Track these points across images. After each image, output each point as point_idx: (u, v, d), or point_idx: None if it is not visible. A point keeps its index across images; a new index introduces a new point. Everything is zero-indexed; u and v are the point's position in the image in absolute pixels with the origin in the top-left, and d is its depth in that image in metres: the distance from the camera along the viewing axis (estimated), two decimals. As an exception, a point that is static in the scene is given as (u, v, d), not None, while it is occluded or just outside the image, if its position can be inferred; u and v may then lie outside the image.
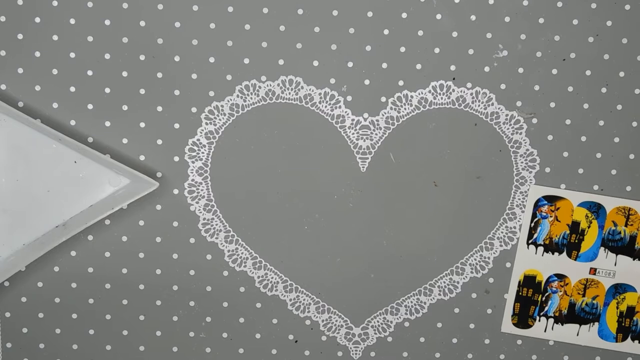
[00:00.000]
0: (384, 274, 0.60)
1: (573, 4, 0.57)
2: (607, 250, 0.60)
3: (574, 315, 0.61)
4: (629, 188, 0.59)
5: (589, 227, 0.60)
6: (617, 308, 0.61)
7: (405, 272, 0.60)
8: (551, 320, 0.61)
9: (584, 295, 0.61)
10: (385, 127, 0.58)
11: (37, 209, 0.58)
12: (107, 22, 0.57)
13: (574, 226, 0.60)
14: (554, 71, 0.58)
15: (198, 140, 0.58)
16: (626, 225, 0.60)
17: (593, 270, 0.60)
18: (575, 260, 0.60)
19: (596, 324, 0.61)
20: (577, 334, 0.61)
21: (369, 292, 0.61)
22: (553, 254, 0.60)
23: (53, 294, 0.60)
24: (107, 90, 0.57)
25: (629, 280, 0.60)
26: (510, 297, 0.61)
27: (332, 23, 0.57)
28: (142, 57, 0.57)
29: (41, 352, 0.61)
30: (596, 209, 0.59)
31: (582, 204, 0.59)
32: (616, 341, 0.61)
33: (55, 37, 0.57)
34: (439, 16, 0.57)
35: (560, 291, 0.61)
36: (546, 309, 0.61)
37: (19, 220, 0.58)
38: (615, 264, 0.60)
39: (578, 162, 0.59)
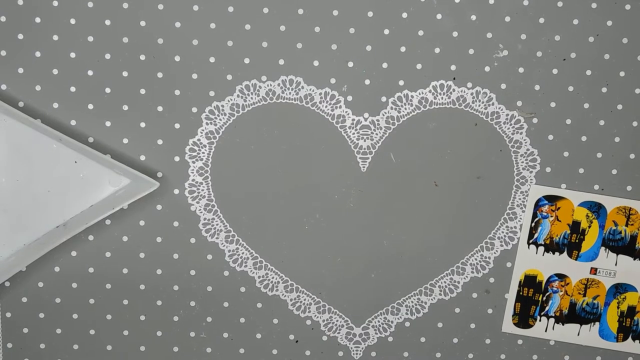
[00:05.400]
0: (384, 273, 0.60)
1: (573, 4, 0.57)
2: (607, 250, 0.60)
3: (574, 315, 0.61)
4: (629, 188, 0.59)
5: (589, 226, 0.60)
6: (618, 308, 0.61)
7: (406, 271, 0.60)
8: (552, 320, 0.61)
9: (584, 295, 0.61)
10: (386, 127, 0.58)
11: (38, 209, 0.58)
12: (108, 22, 0.57)
13: (575, 226, 0.60)
14: (555, 71, 0.58)
15: (198, 140, 0.58)
16: (627, 225, 0.60)
17: (594, 270, 0.60)
18: (575, 260, 0.60)
19: (597, 323, 0.61)
20: (578, 334, 0.61)
21: (369, 292, 0.61)
22: (554, 253, 0.60)
23: (54, 294, 0.60)
24: (108, 90, 0.57)
25: (630, 280, 0.60)
26: (511, 297, 0.61)
27: (332, 23, 0.57)
28: (142, 57, 0.57)
29: (42, 353, 0.61)
30: (597, 209, 0.59)
31: (582, 204, 0.59)
32: (617, 341, 0.61)
33: (55, 37, 0.57)
34: (439, 16, 0.57)
35: (561, 291, 0.61)
36: (547, 308, 0.61)
37: (19, 221, 0.58)
38: (615, 264, 0.60)
39: (578, 161, 0.59)
